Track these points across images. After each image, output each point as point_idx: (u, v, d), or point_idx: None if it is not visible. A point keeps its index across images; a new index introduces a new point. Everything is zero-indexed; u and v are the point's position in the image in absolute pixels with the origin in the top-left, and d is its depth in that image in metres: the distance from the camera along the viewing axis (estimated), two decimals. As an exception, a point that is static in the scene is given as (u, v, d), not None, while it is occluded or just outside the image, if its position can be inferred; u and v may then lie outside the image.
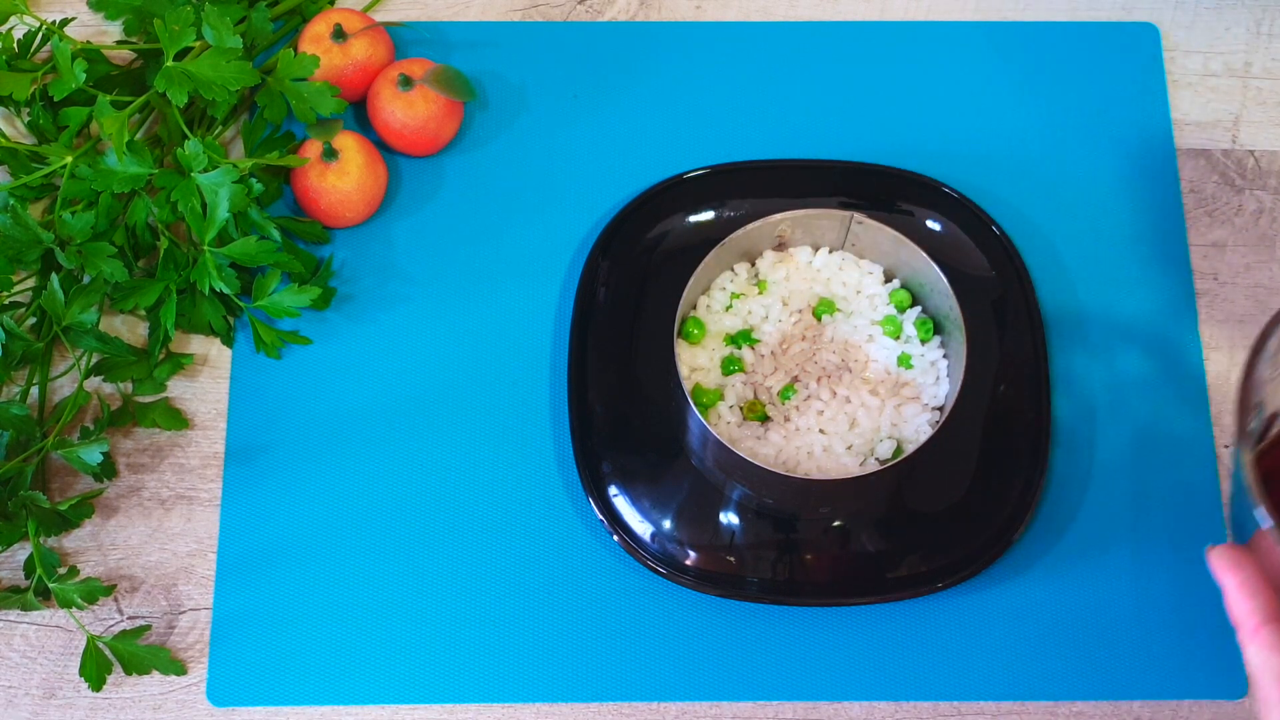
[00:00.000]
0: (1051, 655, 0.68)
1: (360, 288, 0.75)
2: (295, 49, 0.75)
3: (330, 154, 0.72)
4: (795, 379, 0.70)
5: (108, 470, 0.70)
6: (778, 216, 0.71)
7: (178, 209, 0.69)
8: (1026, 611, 0.69)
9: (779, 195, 0.74)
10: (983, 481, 0.69)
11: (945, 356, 0.71)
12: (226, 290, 0.69)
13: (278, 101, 0.73)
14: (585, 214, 0.76)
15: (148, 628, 0.68)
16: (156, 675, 0.68)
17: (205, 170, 0.69)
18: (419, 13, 0.81)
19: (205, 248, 0.69)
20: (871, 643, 0.68)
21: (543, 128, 0.78)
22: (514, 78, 0.79)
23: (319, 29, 0.75)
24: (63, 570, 0.67)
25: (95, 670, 0.66)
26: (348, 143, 0.73)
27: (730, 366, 0.70)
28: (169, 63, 0.69)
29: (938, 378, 0.70)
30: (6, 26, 0.75)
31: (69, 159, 0.70)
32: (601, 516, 0.69)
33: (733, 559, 0.68)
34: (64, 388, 0.73)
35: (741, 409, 0.70)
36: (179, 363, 0.72)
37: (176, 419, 0.71)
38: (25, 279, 0.72)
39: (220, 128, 0.76)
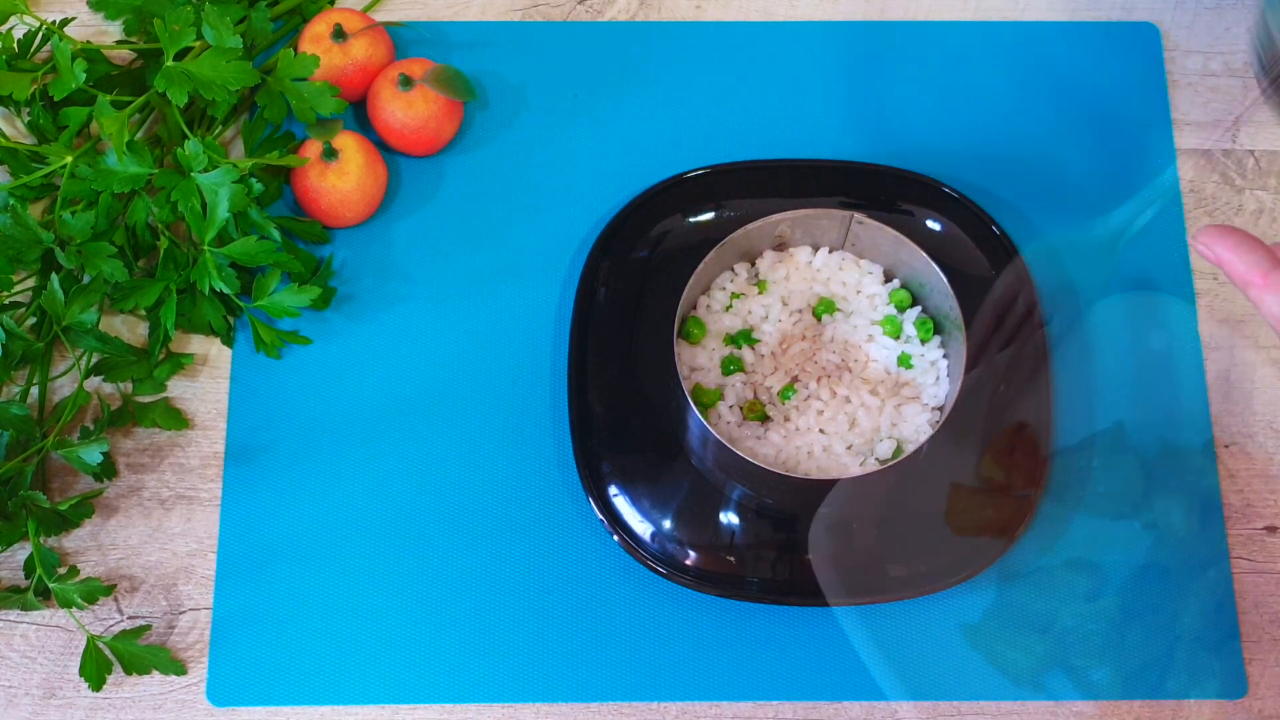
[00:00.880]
0: (1051, 655, 0.68)
1: (360, 288, 0.75)
2: (295, 49, 0.75)
3: (330, 154, 0.72)
4: (795, 379, 0.70)
5: (108, 470, 0.70)
6: (778, 216, 0.71)
7: (178, 209, 0.69)
8: (1026, 611, 0.69)
9: (779, 195, 0.74)
10: (982, 481, 0.69)
11: (945, 356, 0.71)
12: (226, 290, 0.69)
13: (278, 101, 0.73)
14: (585, 214, 0.76)
15: (148, 628, 0.68)
16: (156, 675, 0.68)
17: (205, 170, 0.69)
18: (419, 13, 0.81)
19: (205, 248, 0.69)
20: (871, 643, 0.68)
21: (543, 128, 0.78)
22: (514, 78, 0.79)
23: (319, 29, 0.75)
24: (63, 570, 0.67)
25: (95, 670, 0.66)
26: (348, 143, 0.73)
27: (730, 366, 0.70)
28: (169, 63, 0.69)
29: (938, 378, 0.70)
30: (6, 26, 0.75)
31: (69, 159, 0.70)
32: (601, 516, 0.69)
33: (733, 559, 0.68)
34: (64, 388, 0.73)
35: (741, 409, 0.70)
36: (179, 363, 0.72)
37: (176, 419, 0.71)
38: (25, 279, 0.72)
39: (220, 128, 0.76)
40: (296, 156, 0.73)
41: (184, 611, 0.69)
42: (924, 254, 0.69)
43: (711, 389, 0.70)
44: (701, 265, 0.69)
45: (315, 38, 0.75)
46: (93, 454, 0.68)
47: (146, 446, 0.72)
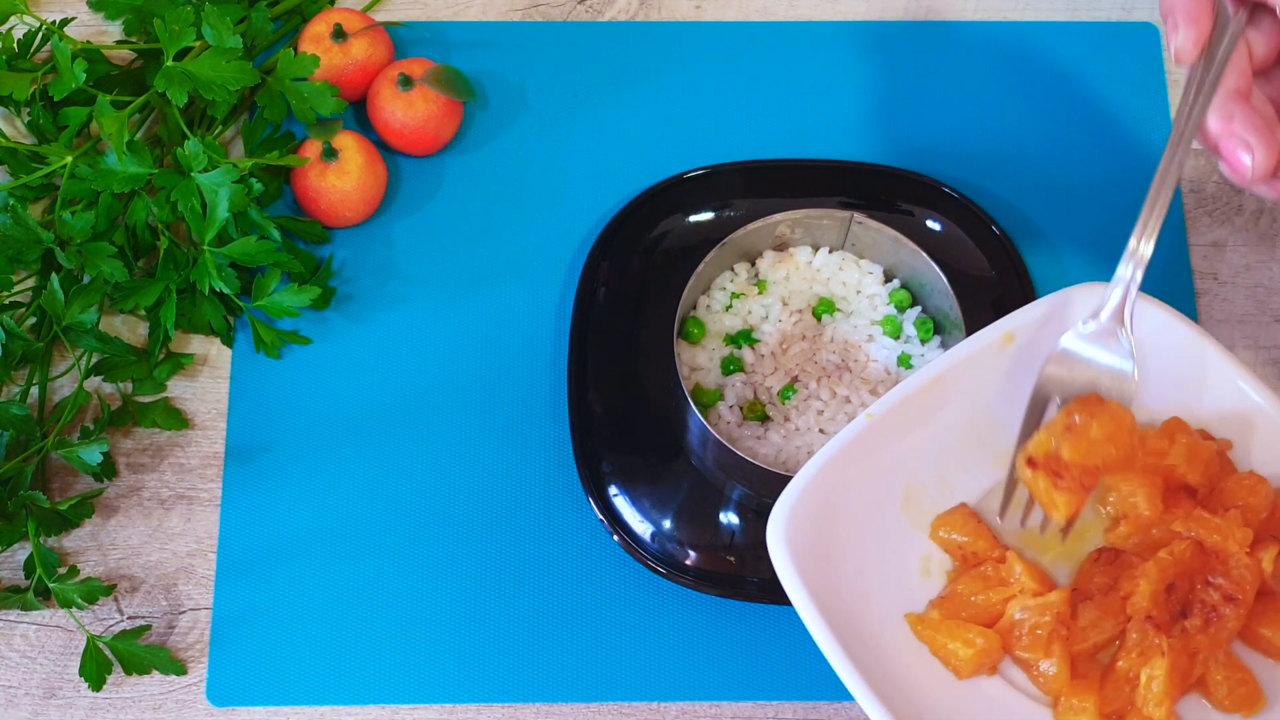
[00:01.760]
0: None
1: (360, 288, 0.75)
2: (295, 49, 0.75)
3: (330, 154, 0.72)
4: (795, 379, 0.70)
5: (108, 470, 0.70)
6: (778, 216, 0.71)
7: (178, 209, 0.69)
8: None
9: (779, 195, 0.74)
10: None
11: (945, 356, 0.71)
12: (226, 290, 0.69)
13: (278, 101, 0.73)
14: (585, 214, 0.76)
15: (148, 628, 0.68)
16: (156, 675, 0.68)
17: (205, 170, 0.69)
18: (419, 13, 0.81)
19: (205, 248, 0.69)
20: (871, 643, 0.68)
21: (543, 128, 0.78)
22: (514, 78, 0.79)
23: (319, 29, 0.75)
24: (63, 570, 0.67)
25: (95, 670, 0.66)
26: (348, 143, 0.73)
27: (730, 366, 0.70)
28: (169, 63, 0.69)
29: (938, 378, 0.70)
30: (6, 26, 0.75)
31: (69, 159, 0.70)
32: (601, 516, 0.69)
33: (733, 559, 0.68)
34: (64, 388, 0.73)
35: (741, 409, 0.70)
36: (179, 363, 0.72)
37: (176, 419, 0.71)
38: (25, 279, 0.72)
39: (220, 128, 0.76)
40: (296, 156, 0.73)
41: (184, 611, 0.69)
42: (924, 254, 0.69)
43: (711, 389, 0.70)
44: (701, 265, 0.69)
45: (315, 38, 0.75)
46: (93, 454, 0.68)
47: (146, 446, 0.72)
